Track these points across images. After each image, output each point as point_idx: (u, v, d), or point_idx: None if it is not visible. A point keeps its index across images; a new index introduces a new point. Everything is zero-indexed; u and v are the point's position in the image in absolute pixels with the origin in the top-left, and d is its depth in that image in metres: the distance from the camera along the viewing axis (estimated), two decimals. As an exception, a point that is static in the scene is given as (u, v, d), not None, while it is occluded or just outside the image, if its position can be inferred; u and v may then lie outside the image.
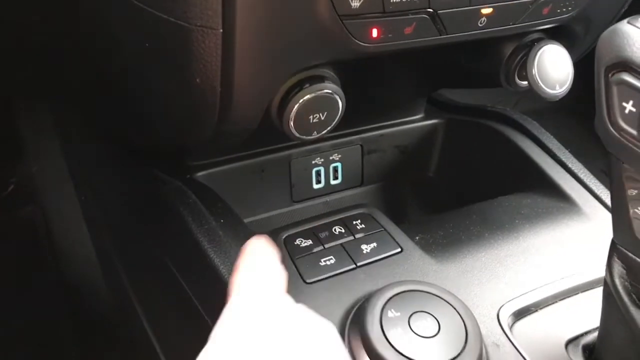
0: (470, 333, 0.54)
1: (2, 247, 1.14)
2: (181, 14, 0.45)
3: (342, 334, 0.56)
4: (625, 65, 0.45)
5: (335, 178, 0.90)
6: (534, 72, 0.66)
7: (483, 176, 0.89)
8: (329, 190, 0.90)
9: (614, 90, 0.47)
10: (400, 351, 0.51)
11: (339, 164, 0.90)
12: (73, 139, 1.05)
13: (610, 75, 0.47)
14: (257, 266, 0.47)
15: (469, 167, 0.91)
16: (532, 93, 0.68)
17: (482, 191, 0.83)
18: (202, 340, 0.64)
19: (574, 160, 0.80)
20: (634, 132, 0.46)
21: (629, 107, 0.46)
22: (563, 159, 0.80)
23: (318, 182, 0.89)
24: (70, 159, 1.07)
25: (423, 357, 0.51)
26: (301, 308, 0.45)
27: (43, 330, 1.06)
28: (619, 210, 0.51)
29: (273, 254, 0.48)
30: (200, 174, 0.79)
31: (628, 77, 0.45)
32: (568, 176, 0.78)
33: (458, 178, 0.92)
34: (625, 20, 0.47)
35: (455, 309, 0.56)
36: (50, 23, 0.63)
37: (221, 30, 0.46)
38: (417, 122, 0.93)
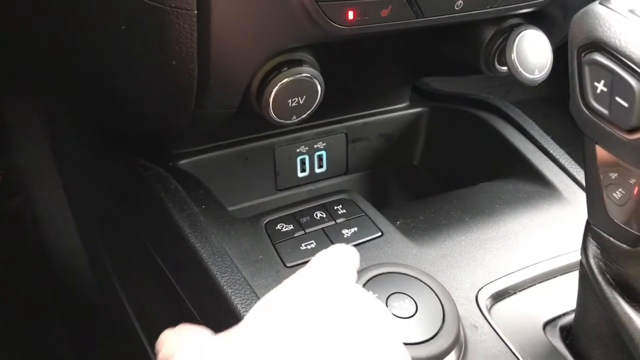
0: (447, 314, 0.54)
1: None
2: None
3: (321, 316, 0.57)
4: (597, 45, 0.46)
5: (320, 166, 0.91)
6: (513, 57, 0.66)
7: (467, 163, 0.89)
8: (313, 178, 0.91)
9: (586, 70, 0.47)
10: (378, 331, 0.52)
11: (323, 152, 0.90)
12: (59, 128, 1.05)
13: (582, 55, 0.47)
14: (334, 253, 0.46)
15: (453, 154, 0.92)
16: (512, 79, 0.68)
17: (466, 178, 0.83)
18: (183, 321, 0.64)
19: (556, 146, 0.81)
20: (605, 111, 0.46)
21: (600, 86, 0.46)
22: (545, 146, 0.81)
23: (303, 170, 0.90)
24: (56, 149, 1.07)
25: (401, 338, 0.52)
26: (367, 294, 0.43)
27: (29, 317, 1.07)
28: (592, 191, 0.52)
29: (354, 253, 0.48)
30: (183, 161, 0.79)
31: (599, 57, 0.46)
32: (549, 162, 0.79)
33: (442, 166, 0.93)
34: (597, 1, 0.48)
35: (432, 290, 0.56)
36: (27, 10, 0.62)
37: (195, 12, 0.46)
38: (402, 111, 0.94)
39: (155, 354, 0.45)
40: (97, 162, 0.91)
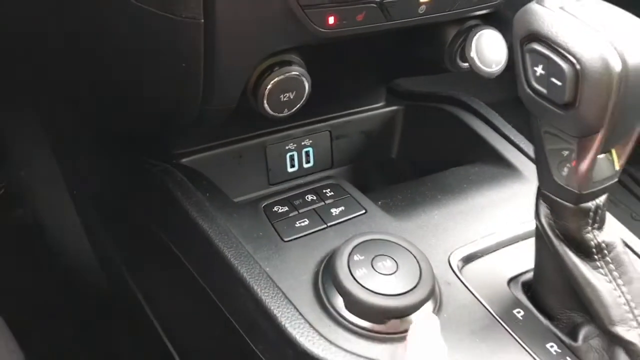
0: (423, 271, 0.64)
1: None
2: (169, 7, 0.54)
3: (315, 279, 0.66)
4: (535, 36, 0.56)
5: (308, 162, 1.00)
6: (472, 54, 0.76)
7: (439, 153, 0.99)
8: (302, 172, 1.00)
9: (527, 57, 0.57)
10: (365, 286, 0.61)
11: (310, 149, 0.99)
12: (60, 134, 1.12)
13: (524, 45, 0.57)
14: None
15: (426, 146, 1.01)
16: (474, 73, 0.78)
17: (439, 166, 0.93)
18: (196, 302, 0.73)
19: (516, 132, 0.91)
20: (544, 91, 0.56)
21: (539, 70, 0.56)
22: (506, 133, 0.91)
23: (292, 165, 0.98)
24: (59, 154, 1.14)
25: (384, 290, 0.61)
26: None
27: (42, 319, 1.12)
28: (540, 160, 0.61)
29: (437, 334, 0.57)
30: (183, 160, 0.88)
31: (537, 46, 0.56)
32: (510, 147, 0.89)
33: (418, 157, 1.02)
34: (534, 1, 0.58)
35: (410, 252, 0.65)
36: (36, 20, 0.70)
37: (203, 21, 0.56)
38: (379, 109, 1.03)
39: None
40: (102, 164, 0.99)
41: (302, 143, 0.98)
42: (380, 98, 1.04)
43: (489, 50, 0.77)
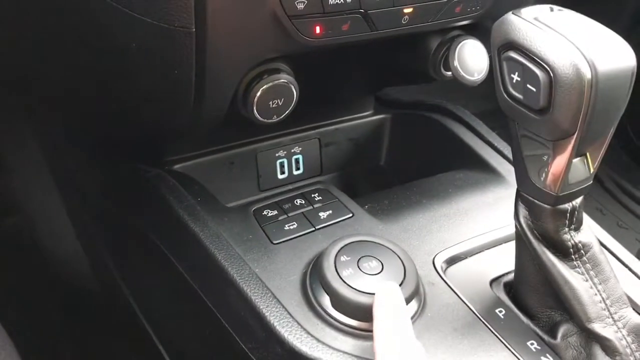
0: (408, 271, 0.66)
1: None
2: (162, 17, 0.57)
3: (303, 279, 0.68)
4: (511, 45, 0.59)
5: (297, 168, 1.02)
6: (455, 64, 0.79)
7: (426, 160, 1.02)
8: (292, 179, 1.02)
9: (505, 65, 0.60)
10: (351, 285, 0.63)
11: (300, 156, 1.01)
12: (53, 142, 1.14)
13: (501, 54, 0.60)
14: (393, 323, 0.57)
15: (414, 153, 1.04)
16: (457, 81, 0.81)
17: (426, 173, 0.95)
18: (187, 303, 0.74)
19: (499, 139, 0.93)
20: (520, 96, 0.59)
21: (515, 77, 0.59)
22: (490, 140, 0.93)
23: (282, 172, 1.01)
24: (52, 162, 1.16)
25: (370, 289, 0.63)
26: None
27: (34, 324, 1.14)
28: (518, 162, 0.64)
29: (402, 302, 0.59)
30: (176, 166, 0.90)
31: (514, 54, 0.59)
32: (494, 153, 0.92)
33: (405, 163, 1.05)
34: (510, 12, 0.61)
35: (395, 253, 0.68)
36: (31, 27, 0.72)
37: (194, 30, 0.58)
38: (368, 117, 1.06)
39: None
40: (95, 171, 1.01)
41: (292, 150, 1.01)
42: (368, 107, 1.07)
43: (471, 59, 0.79)
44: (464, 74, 0.80)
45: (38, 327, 1.16)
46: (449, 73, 0.83)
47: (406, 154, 1.05)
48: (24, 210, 1.26)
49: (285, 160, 1.00)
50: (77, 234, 1.12)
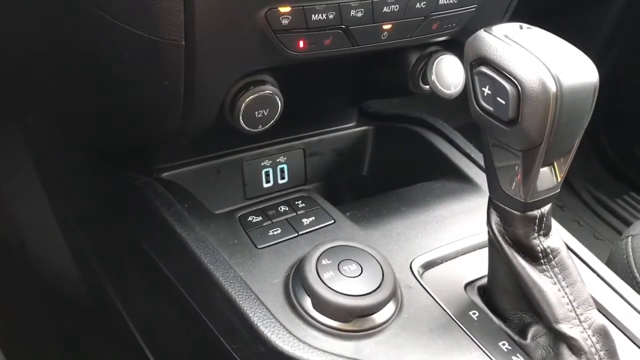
0: (386, 274, 0.69)
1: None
2: (153, 30, 0.60)
3: (286, 282, 0.71)
4: (482, 60, 0.62)
5: (282, 178, 1.05)
6: (432, 78, 0.83)
7: (407, 170, 1.05)
8: (277, 188, 1.04)
9: (476, 79, 0.64)
10: (331, 287, 0.66)
11: (285, 166, 1.04)
12: (42, 149, 1.16)
13: (473, 68, 0.64)
14: None
15: (395, 164, 1.07)
16: (435, 95, 0.85)
17: (406, 183, 0.99)
18: (173, 306, 0.77)
19: (476, 150, 0.97)
20: (491, 109, 0.63)
21: (486, 90, 0.63)
22: (467, 151, 0.97)
23: (267, 181, 1.03)
24: (41, 170, 1.17)
25: (349, 291, 0.66)
26: None
27: (23, 330, 1.15)
28: (490, 171, 0.68)
29: None
30: (164, 174, 0.93)
31: (484, 69, 0.62)
32: (471, 164, 0.96)
33: (386, 173, 1.09)
34: (482, 29, 0.65)
35: (374, 257, 0.71)
36: (26, 35, 0.75)
37: (184, 43, 0.61)
38: (351, 129, 1.10)
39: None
40: (84, 178, 1.04)
41: (277, 160, 1.03)
42: (351, 118, 1.10)
43: (447, 73, 0.83)
44: (441, 88, 0.83)
45: (26, 335, 1.17)
46: (427, 87, 0.86)
47: (387, 164, 1.09)
48: (13, 218, 1.27)
49: (271, 170, 1.03)
50: (66, 241, 1.14)
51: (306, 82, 0.87)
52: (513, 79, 0.60)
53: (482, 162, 0.95)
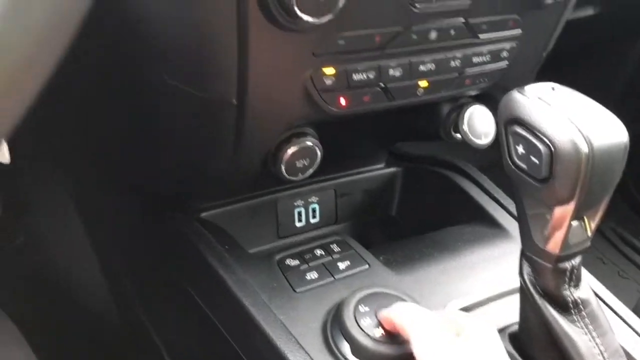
0: (421, 321, 0.72)
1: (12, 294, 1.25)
2: (208, 91, 0.65)
3: (324, 327, 0.74)
4: (516, 120, 0.66)
5: (314, 217, 1.08)
6: (464, 128, 0.86)
7: (436, 212, 1.08)
8: (309, 227, 1.08)
9: (510, 138, 0.67)
10: (369, 334, 0.69)
11: (316, 205, 1.08)
12: (83, 185, 1.20)
13: (507, 128, 0.67)
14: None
15: (424, 206, 1.10)
16: (465, 144, 0.88)
17: (435, 225, 1.02)
18: (213, 345, 0.80)
19: (505, 196, 1.00)
20: (524, 166, 0.66)
21: (520, 149, 0.66)
22: (496, 196, 1.00)
23: (300, 220, 1.07)
24: (80, 205, 1.22)
25: (386, 338, 0.69)
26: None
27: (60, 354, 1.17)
28: (522, 224, 0.70)
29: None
30: (203, 214, 0.97)
31: (518, 129, 0.66)
32: (500, 209, 0.98)
33: (416, 215, 1.12)
34: (515, 90, 0.68)
35: (409, 304, 0.74)
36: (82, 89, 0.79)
37: (235, 102, 0.66)
38: (380, 170, 1.13)
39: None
40: (125, 217, 1.08)
41: (309, 200, 1.07)
42: (381, 160, 1.14)
43: (479, 124, 0.87)
44: (472, 138, 0.87)
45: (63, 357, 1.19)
46: (459, 135, 0.90)
47: (416, 205, 1.12)
48: (52, 253, 1.31)
49: (303, 209, 1.07)
50: (105, 278, 1.18)
51: (342, 131, 0.91)
52: (546, 140, 0.63)
53: (511, 208, 0.98)
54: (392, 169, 1.13)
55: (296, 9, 0.58)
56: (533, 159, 0.65)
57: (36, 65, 0.29)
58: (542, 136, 0.64)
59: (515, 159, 0.67)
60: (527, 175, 0.66)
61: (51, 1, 0.29)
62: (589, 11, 1.28)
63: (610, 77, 1.60)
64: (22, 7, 0.27)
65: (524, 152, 0.66)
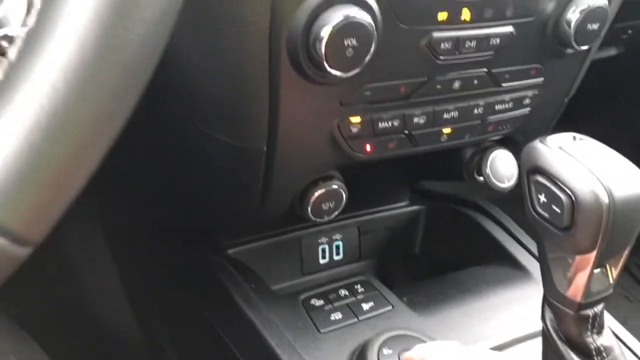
0: (443, 364, 0.73)
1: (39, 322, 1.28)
2: (240, 138, 0.68)
3: (348, 369, 0.75)
4: (538, 170, 0.67)
5: (338, 254, 1.10)
6: (487, 171, 0.88)
7: (458, 251, 1.09)
8: (332, 264, 1.09)
9: (533, 187, 0.68)
10: (393, 377, 0.70)
11: (340, 243, 1.09)
12: (114, 218, 1.24)
13: (529, 176, 0.69)
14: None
15: (446, 244, 1.12)
16: (488, 186, 0.90)
17: (457, 263, 1.03)
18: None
19: (527, 236, 1.01)
20: (546, 215, 0.67)
21: (542, 198, 0.67)
22: (518, 236, 1.01)
23: (323, 257, 1.09)
24: (110, 236, 1.26)
25: None
26: None
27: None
28: (544, 270, 0.71)
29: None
30: (230, 251, 0.99)
31: (540, 178, 0.67)
32: (523, 250, 0.99)
33: (439, 253, 1.13)
34: (537, 139, 0.70)
35: (432, 347, 0.75)
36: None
37: (265, 149, 0.69)
38: (403, 208, 1.15)
39: None
40: (153, 250, 1.11)
41: (333, 237, 1.09)
42: (404, 197, 1.15)
43: (502, 168, 0.88)
44: (495, 181, 0.88)
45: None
46: (481, 178, 0.91)
47: (439, 244, 1.13)
48: (79, 281, 1.34)
49: (327, 247, 1.08)
50: (131, 308, 1.20)
51: (365, 170, 0.93)
52: (567, 190, 0.65)
53: (533, 249, 0.99)
54: (415, 207, 1.14)
55: (326, 64, 0.61)
56: (555, 208, 0.66)
57: (115, 118, 0.31)
58: (563, 186, 0.65)
59: (537, 207, 0.68)
60: (549, 224, 0.67)
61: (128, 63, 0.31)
62: (611, 51, 1.30)
63: (633, 116, 1.60)
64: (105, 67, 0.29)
65: (545, 201, 0.67)
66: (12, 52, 0.29)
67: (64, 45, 0.28)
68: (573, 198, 0.65)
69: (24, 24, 0.30)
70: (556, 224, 0.67)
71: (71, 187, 0.30)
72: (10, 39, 0.60)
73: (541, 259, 0.72)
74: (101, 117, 0.30)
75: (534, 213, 0.69)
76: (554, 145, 0.69)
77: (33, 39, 0.29)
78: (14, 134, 0.28)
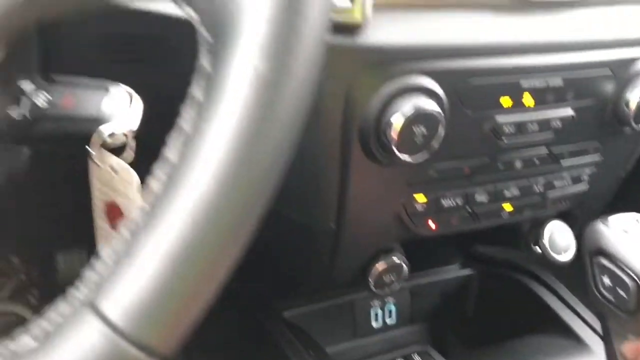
0: None
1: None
2: (309, 219, 0.71)
3: None
4: (602, 252, 0.69)
5: (390, 317, 1.11)
6: (545, 244, 0.89)
7: (512, 319, 1.09)
8: (385, 328, 1.11)
9: (596, 268, 0.69)
10: None
11: (393, 307, 1.11)
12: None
13: (592, 259, 0.70)
14: None
15: (499, 310, 1.12)
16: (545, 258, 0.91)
17: (511, 329, 1.03)
18: None
19: (582, 305, 1.01)
20: (611, 297, 0.68)
21: (606, 280, 0.68)
22: (577, 309, 1.01)
23: (376, 320, 1.10)
24: None
25: None
26: None
27: None
28: (608, 347, 0.72)
29: None
30: (286, 313, 1.01)
31: (604, 261, 0.68)
32: (579, 321, 0.99)
33: (492, 319, 1.13)
34: (599, 220, 0.71)
35: None
36: None
37: (334, 228, 0.72)
38: (456, 272, 1.15)
39: None
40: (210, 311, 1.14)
41: (385, 300, 1.10)
42: (457, 260, 1.16)
43: (559, 240, 0.90)
44: (552, 253, 0.89)
45: None
46: (539, 249, 0.92)
47: (493, 309, 1.13)
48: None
49: (379, 310, 1.10)
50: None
51: (423, 243, 0.96)
52: (632, 274, 0.66)
53: (590, 320, 0.99)
54: (466, 272, 1.15)
55: (395, 150, 0.64)
56: (620, 291, 0.67)
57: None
58: (628, 270, 0.66)
59: (602, 290, 0.69)
60: (613, 306, 0.68)
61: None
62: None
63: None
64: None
65: (610, 284, 0.68)
66: (155, 185, 0.32)
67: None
68: (638, 282, 0.66)
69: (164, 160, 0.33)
70: (622, 307, 0.68)
71: (204, 305, 0.34)
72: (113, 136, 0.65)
73: (605, 338, 0.73)
74: (230, 244, 0.33)
75: (597, 295, 0.70)
76: (617, 227, 0.70)
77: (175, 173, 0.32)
78: (159, 257, 0.31)
